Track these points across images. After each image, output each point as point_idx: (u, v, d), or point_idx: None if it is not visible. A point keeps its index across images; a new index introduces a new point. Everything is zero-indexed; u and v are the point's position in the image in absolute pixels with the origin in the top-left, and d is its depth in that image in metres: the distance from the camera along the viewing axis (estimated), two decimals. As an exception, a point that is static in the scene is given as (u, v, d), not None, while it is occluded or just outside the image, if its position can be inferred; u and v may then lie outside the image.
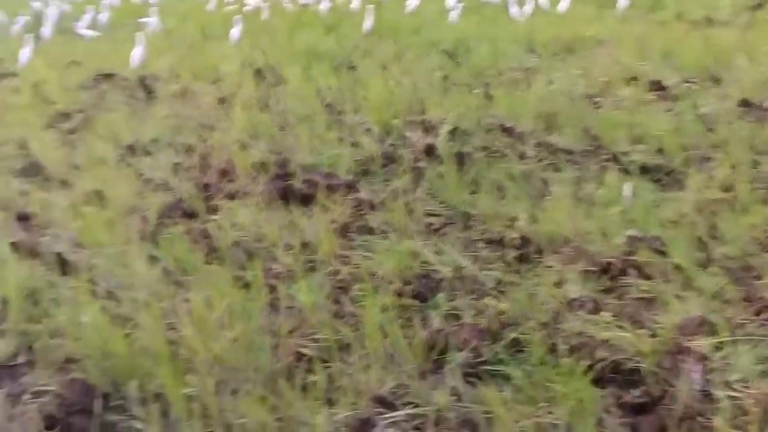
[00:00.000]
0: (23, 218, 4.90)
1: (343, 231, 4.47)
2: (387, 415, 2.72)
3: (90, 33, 12.36)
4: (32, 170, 5.77)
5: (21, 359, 3.39)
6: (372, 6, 12.16)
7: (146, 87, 8.58)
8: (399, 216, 4.57)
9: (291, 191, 5.11)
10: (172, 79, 8.95)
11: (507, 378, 2.99)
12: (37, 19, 13.97)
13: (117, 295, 3.77)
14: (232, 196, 5.23)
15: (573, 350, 3.03)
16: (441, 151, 5.49)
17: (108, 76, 9.11)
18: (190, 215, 4.93)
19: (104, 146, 6.26)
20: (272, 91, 8.27)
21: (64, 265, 4.10)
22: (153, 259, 4.17)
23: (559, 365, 2.94)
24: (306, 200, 5.03)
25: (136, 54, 9.28)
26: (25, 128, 6.88)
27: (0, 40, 11.60)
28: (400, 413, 2.73)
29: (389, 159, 5.57)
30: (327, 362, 3.20)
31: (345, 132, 6.40)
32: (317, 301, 3.63)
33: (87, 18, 13.08)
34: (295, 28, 12.30)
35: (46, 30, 11.85)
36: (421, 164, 5.33)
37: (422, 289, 3.68)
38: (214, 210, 5.01)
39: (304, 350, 3.26)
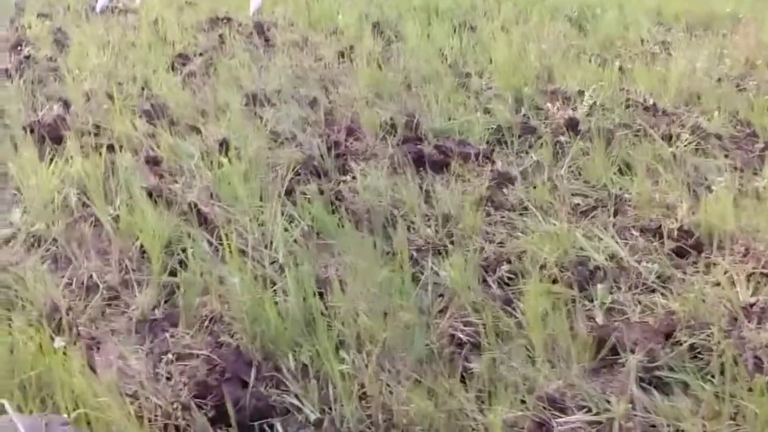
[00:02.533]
0: (153, 162, 4.81)
1: (481, 204, 4.24)
2: (562, 420, 2.51)
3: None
4: (157, 112, 5.67)
5: (161, 314, 3.28)
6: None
7: (263, 34, 8.45)
8: (542, 193, 4.32)
9: (423, 157, 4.89)
10: (288, 28, 8.80)
11: (684, 386, 2.75)
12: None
13: (255, 254, 3.62)
14: (360, 157, 5.06)
15: (760, 364, 2.76)
16: (583, 126, 5.19)
17: (224, 20, 9.01)
18: (321, 174, 4.76)
19: (227, 93, 6.13)
20: (391, 47, 8.06)
21: (199, 217, 3.98)
22: (290, 219, 4.01)
23: (745, 378, 2.67)
24: (439, 167, 4.82)
25: (255, 0, 9.13)
26: (148, 68, 6.81)
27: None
28: (576, 418, 2.52)
29: (525, 130, 5.29)
30: (481, 349, 3.00)
31: (473, 96, 6.15)
32: (465, 280, 3.41)
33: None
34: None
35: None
36: (562, 138, 5.04)
37: (579, 278, 3.43)
38: (344, 170, 4.84)
39: (457, 333, 3.05)
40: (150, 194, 4.25)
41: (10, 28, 8.22)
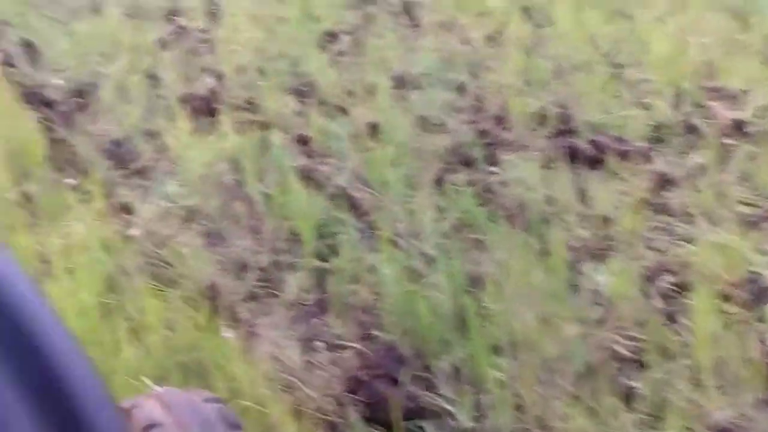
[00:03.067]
0: (303, 142, 4.81)
1: (640, 207, 4.02)
2: (737, 454, 2.33)
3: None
4: (307, 91, 5.68)
5: (311, 300, 3.26)
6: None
7: (410, 14, 8.36)
8: (706, 199, 4.07)
9: (577, 151, 4.70)
10: (435, 8, 8.68)
11: None
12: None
13: (403, 244, 3.55)
14: (510, 147, 4.91)
15: None
16: (750, 129, 4.86)
17: (370, 1, 8.97)
18: (470, 163, 4.65)
19: (375, 74, 6.08)
20: (541, 32, 7.82)
21: (349, 202, 3.95)
22: (438, 209, 3.92)
23: None
24: (594, 164, 4.62)
25: (402, -22, 9.02)
26: (295, 45, 6.84)
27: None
28: (754, 455, 2.33)
29: (687, 129, 5.00)
30: (644, 366, 2.83)
31: (628, 89, 5.88)
32: (624, 289, 3.24)
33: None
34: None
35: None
36: (728, 141, 4.73)
37: (749, 296, 3.19)
38: (493, 161, 4.71)
39: (618, 348, 2.89)
40: (300, 174, 4.25)
41: (166, -2, 8.42)
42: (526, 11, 8.49)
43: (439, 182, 4.24)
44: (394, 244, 3.51)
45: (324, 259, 3.49)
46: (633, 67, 6.54)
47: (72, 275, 3.24)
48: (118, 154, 4.53)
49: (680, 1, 9.18)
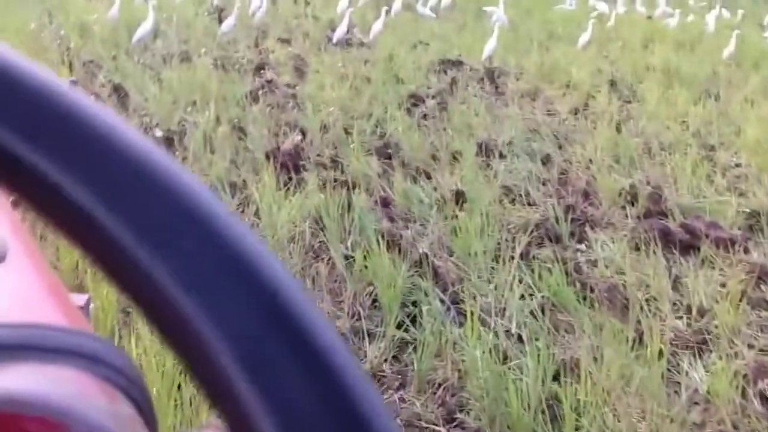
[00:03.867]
0: (385, 204, 4.75)
1: (738, 300, 3.82)
2: None
3: (429, 14, 12.36)
4: (390, 152, 5.65)
5: (390, 371, 3.14)
6: (736, 31, 11.11)
7: (494, 81, 8.34)
8: (809, 297, 3.85)
9: (669, 235, 4.52)
10: (520, 76, 8.64)
11: None
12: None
13: (489, 321, 3.42)
14: (597, 225, 4.77)
15: None
16: None
17: (456, 63, 8.98)
18: (557, 239, 4.51)
19: (460, 140, 6.02)
20: (628, 108, 7.70)
21: (433, 271, 3.84)
22: (525, 285, 3.78)
23: None
24: (686, 249, 4.44)
25: (490, 45, 9.03)
26: (380, 105, 6.84)
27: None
28: None
29: (785, 218, 4.79)
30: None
31: (721, 173, 5.70)
32: (723, 389, 3.04)
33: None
34: (646, 41, 11.57)
35: (396, 4, 11.99)
36: (832, 237, 4.51)
37: None
38: (580, 237, 4.57)
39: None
40: (382, 237, 4.17)
41: (254, 50, 8.56)
42: (613, 85, 8.41)
43: (525, 257, 4.10)
44: (480, 320, 3.38)
45: (405, 330, 3.38)
46: (725, 149, 6.36)
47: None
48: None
49: (767, 84, 9.01)
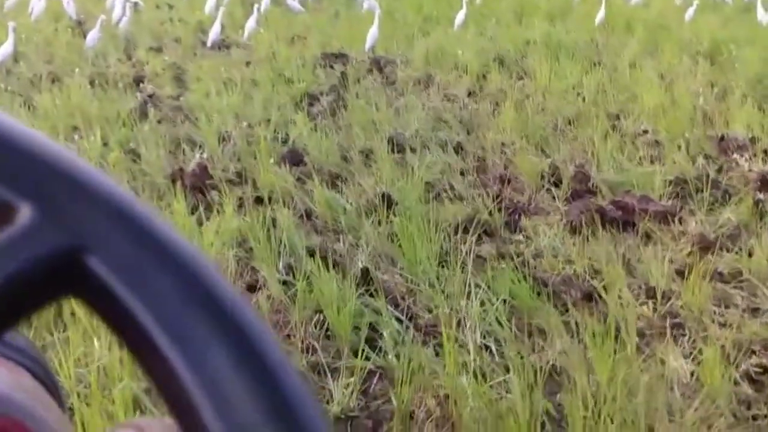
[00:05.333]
0: (309, 217, 4.43)
1: (694, 276, 3.71)
2: None
3: (299, 7, 11.97)
4: (299, 159, 5.31)
5: (361, 411, 2.84)
6: (607, -3, 11.30)
7: (382, 71, 8.09)
8: (760, 263, 3.79)
9: (603, 214, 4.40)
10: (407, 63, 8.41)
11: None
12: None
13: (453, 336, 3.16)
14: (527, 212, 4.60)
15: None
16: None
17: (339, 56, 8.67)
18: (491, 233, 4.31)
19: (366, 137, 5.75)
20: (521, 85, 7.61)
21: (380, 285, 3.55)
22: (479, 290, 3.55)
23: None
24: (624, 227, 4.33)
25: (371, 34, 8.77)
26: (275, 109, 6.46)
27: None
28: None
29: (711, 184, 4.76)
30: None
31: (630, 141, 5.66)
32: (709, 377, 2.90)
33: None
34: (518, 16, 11.59)
35: (265, 1, 11.54)
36: (761, 196, 4.50)
37: None
38: (515, 227, 4.39)
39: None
40: (312, 254, 3.85)
41: (126, 62, 7.98)
42: (501, 63, 8.31)
43: (469, 257, 3.87)
44: (447, 337, 3.12)
45: (367, 357, 3.08)
46: (627, 117, 6.34)
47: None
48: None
49: (649, 47, 9.14)
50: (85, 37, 8.60)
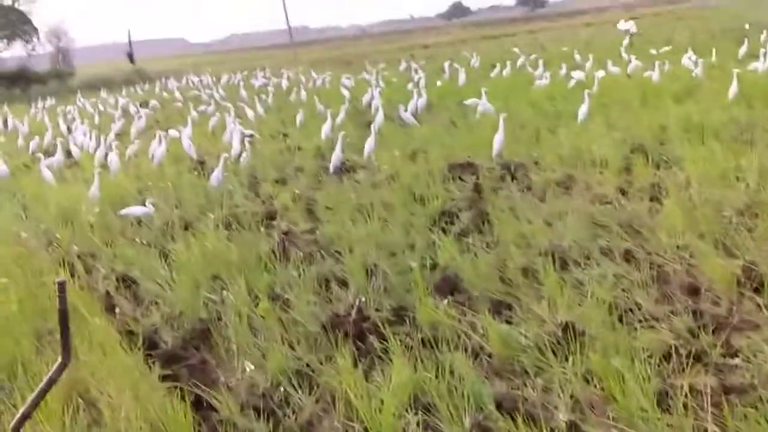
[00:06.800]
0: (482, 356, 3.92)
1: None
2: None
3: (412, 120, 11.77)
4: (451, 286, 4.88)
5: None
6: (736, 70, 10.65)
7: (515, 177, 7.64)
8: None
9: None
10: (541, 166, 7.94)
11: None
12: (357, 108, 13.85)
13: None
14: (732, 327, 3.96)
15: None
16: None
17: (466, 166, 8.29)
18: (699, 357, 3.70)
19: (521, 253, 5.26)
20: (672, 173, 7.00)
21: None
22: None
23: None
24: None
25: (498, 139, 8.41)
26: (413, 231, 6.07)
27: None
28: None
29: None
30: None
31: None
32: None
33: (410, 104, 12.58)
34: (642, 99, 11.05)
35: (379, 117, 11.42)
36: None
37: None
38: (726, 349, 3.76)
39: None
40: (499, 406, 3.34)
41: (255, 199, 7.82)
42: (642, 152, 7.71)
43: (687, 394, 3.27)
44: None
45: None
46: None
47: None
48: (271, 409, 3.65)
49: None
50: (208, 177, 8.55)
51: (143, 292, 5.44)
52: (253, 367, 3.99)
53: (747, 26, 22.20)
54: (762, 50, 12.79)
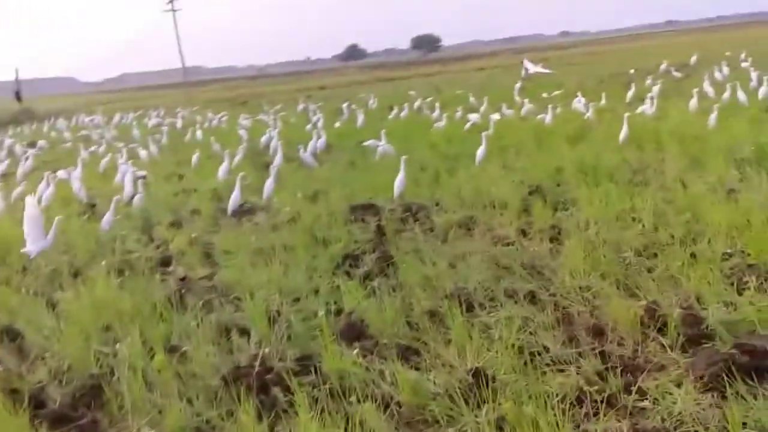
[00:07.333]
0: (392, 406, 3.79)
1: None
2: None
3: (312, 161, 11.66)
4: (357, 332, 4.73)
5: None
6: (626, 113, 11.02)
7: (417, 218, 7.61)
8: None
9: (731, 365, 3.76)
10: (442, 207, 7.94)
11: None
12: (255, 149, 13.64)
13: None
14: (639, 369, 3.97)
15: None
16: None
17: (367, 207, 8.22)
18: (609, 401, 3.67)
19: (426, 296, 5.19)
20: (568, 214, 7.11)
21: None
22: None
23: None
24: (759, 377, 3.70)
25: (399, 182, 8.38)
26: (316, 275, 5.93)
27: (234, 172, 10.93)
28: None
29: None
30: None
31: (716, 269, 5.07)
32: None
33: (310, 144, 12.48)
34: (538, 141, 11.27)
35: (278, 158, 11.26)
36: None
37: None
38: (636, 389, 3.75)
39: None
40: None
41: (149, 244, 7.50)
42: (539, 193, 7.83)
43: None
44: None
45: None
46: (700, 241, 5.78)
47: None
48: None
49: (690, 159, 8.70)
50: (99, 220, 8.18)
51: (29, 345, 5.08)
52: (149, 429, 3.73)
53: (632, 71, 23.21)
54: (649, 94, 13.32)
